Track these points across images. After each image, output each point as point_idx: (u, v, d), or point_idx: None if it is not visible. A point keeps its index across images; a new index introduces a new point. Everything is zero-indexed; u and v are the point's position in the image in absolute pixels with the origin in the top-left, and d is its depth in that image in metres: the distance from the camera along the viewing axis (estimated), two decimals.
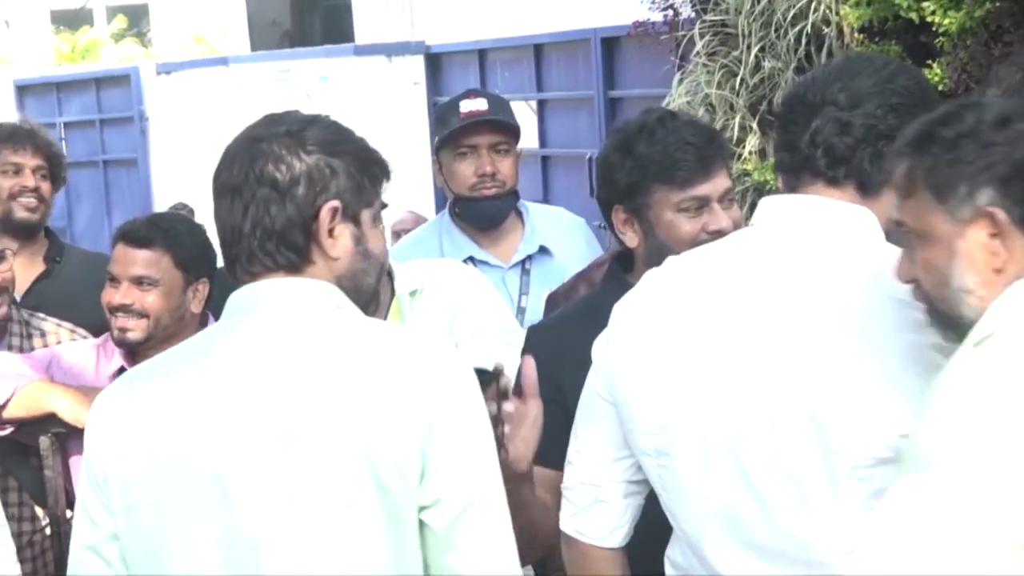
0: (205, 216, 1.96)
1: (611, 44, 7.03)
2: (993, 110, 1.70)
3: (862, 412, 1.80)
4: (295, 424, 1.71)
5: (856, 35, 4.53)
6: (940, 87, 4.02)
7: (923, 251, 1.72)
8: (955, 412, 1.60)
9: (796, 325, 1.86)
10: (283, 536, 1.71)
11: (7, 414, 2.91)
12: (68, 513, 2.95)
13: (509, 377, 2.09)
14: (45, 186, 3.66)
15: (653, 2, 5.48)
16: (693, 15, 5.24)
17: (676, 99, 5.05)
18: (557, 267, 3.32)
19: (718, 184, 2.40)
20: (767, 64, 4.83)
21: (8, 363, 2.99)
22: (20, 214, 3.60)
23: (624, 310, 2.08)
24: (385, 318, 2.76)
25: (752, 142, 4.85)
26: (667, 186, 2.37)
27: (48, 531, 3.10)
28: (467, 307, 2.80)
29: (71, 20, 18.08)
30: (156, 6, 18.84)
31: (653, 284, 2.06)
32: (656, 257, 2.35)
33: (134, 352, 2.99)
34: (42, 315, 3.28)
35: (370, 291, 1.86)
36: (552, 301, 2.99)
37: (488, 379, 2.00)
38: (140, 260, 2.97)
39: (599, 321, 2.12)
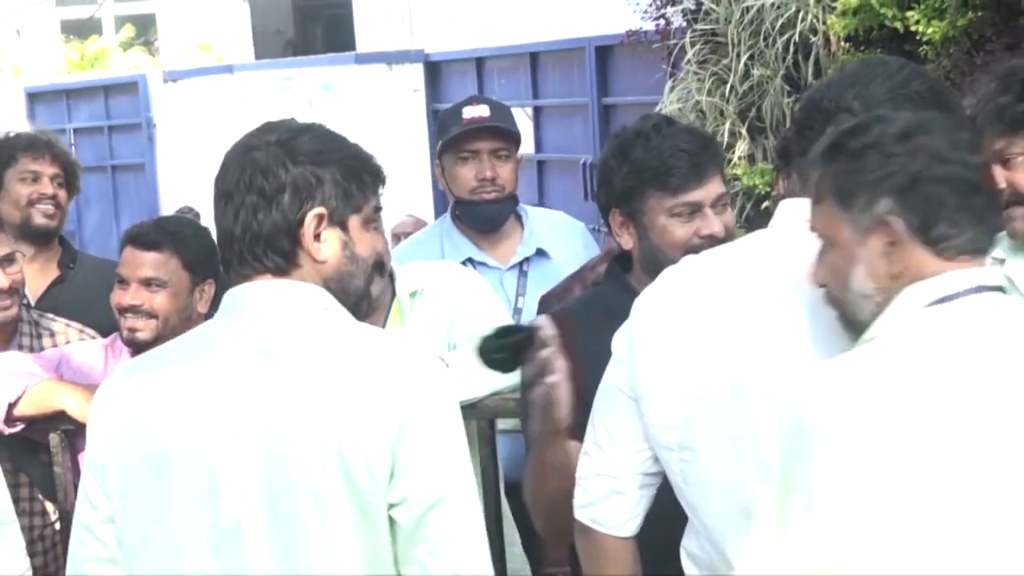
0: (210, 219, 2.02)
1: (605, 52, 7.09)
2: (898, 124, 1.74)
3: None
4: (274, 418, 1.77)
5: (842, 44, 4.58)
6: None
7: (830, 256, 1.77)
8: (816, 414, 1.63)
9: (815, 322, 1.87)
10: (261, 526, 1.77)
11: (18, 412, 2.92)
12: None
13: (543, 325, 2.12)
14: (62, 194, 3.68)
15: (645, 12, 5.53)
16: (684, 24, 5.29)
17: (668, 106, 5.09)
18: (554, 269, 3.35)
19: (711, 190, 2.42)
20: (756, 72, 4.88)
21: (19, 363, 3.02)
22: (38, 220, 3.63)
23: (646, 305, 2.08)
24: (386, 318, 2.83)
25: (741, 147, 4.90)
26: (661, 192, 2.39)
27: (58, 526, 3.12)
28: (466, 308, 2.85)
29: (80, 29, 18.11)
30: (163, 16, 18.86)
31: (674, 281, 2.07)
32: (650, 259, 2.42)
33: (142, 351, 2.94)
34: (51, 316, 3.32)
35: (359, 293, 1.90)
36: (545, 302, 3.01)
37: (528, 334, 2.04)
38: (148, 262, 3.00)
39: (600, 316, 2.17)
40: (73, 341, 3.26)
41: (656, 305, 2.06)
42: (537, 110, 7.81)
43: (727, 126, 4.94)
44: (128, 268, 3.03)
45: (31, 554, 2.72)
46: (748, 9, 4.90)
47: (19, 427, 2.96)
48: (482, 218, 3.44)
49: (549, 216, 3.70)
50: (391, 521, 1.76)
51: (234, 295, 1.87)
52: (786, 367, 1.87)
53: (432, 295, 2.87)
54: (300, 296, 1.84)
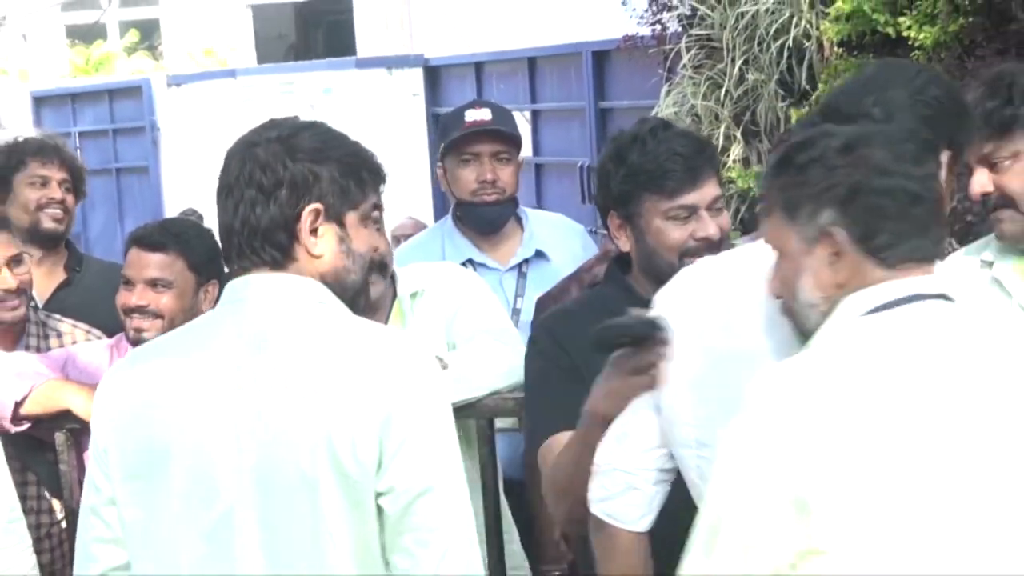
0: (213, 221, 2.05)
1: (602, 57, 7.10)
2: (841, 137, 1.77)
3: None
4: (267, 407, 1.81)
5: (835, 49, 4.61)
6: None
7: (782, 267, 1.81)
8: (749, 418, 1.68)
9: None
10: (252, 513, 1.81)
11: (24, 411, 2.95)
12: None
13: (668, 327, 2.11)
14: (69, 198, 3.71)
15: (642, 17, 5.58)
16: (680, 30, 5.32)
17: (664, 110, 5.11)
18: (553, 271, 3.37)
19: (706, 193, 2.43)
20: (750, 76, 4.92)
21: (26, 362, 3.04)
22: (47, 224, 3.65)
23: (663, 303, 2.09)
24: (387, 318, 2.85)
25: (736, 151, 4.94)
26: (656, 195, 2.40)
27: (64, 524, 3.15)
28: (465, 308, 2.88)
29: (85, 34, 18.12)
30: (167, 21, 18.87)
31: (692, 280, 2.09)
32: (647, 262, 2.45)
33: None
34: (58, 316, 3.35)
35: (355, 288, 1.93)
36: (542, 303, 3.05)
37: (659, 329, 2.05)
38: (154, 263, 3.02)
39: (600, 317, 2.17)
40: (80, 341, 3.28)
41: (673, 303, 2.08)
42: (535, 114, 7.83)
43: (722, 130, 4.97)
44: (133, 269, 3.04)
45: (38, 552, 2.74)
46: (743, 15, 4.93)
47: (25, 426, 2.99)
48: (483, 220, 3.47)
49: (548, 218, 3.72)
50: (379, 510, 1.80)
51: (233, 287, 1.91)
52: None
53: (433, 296, 2.89)
54: (296, 289, 1.88)
